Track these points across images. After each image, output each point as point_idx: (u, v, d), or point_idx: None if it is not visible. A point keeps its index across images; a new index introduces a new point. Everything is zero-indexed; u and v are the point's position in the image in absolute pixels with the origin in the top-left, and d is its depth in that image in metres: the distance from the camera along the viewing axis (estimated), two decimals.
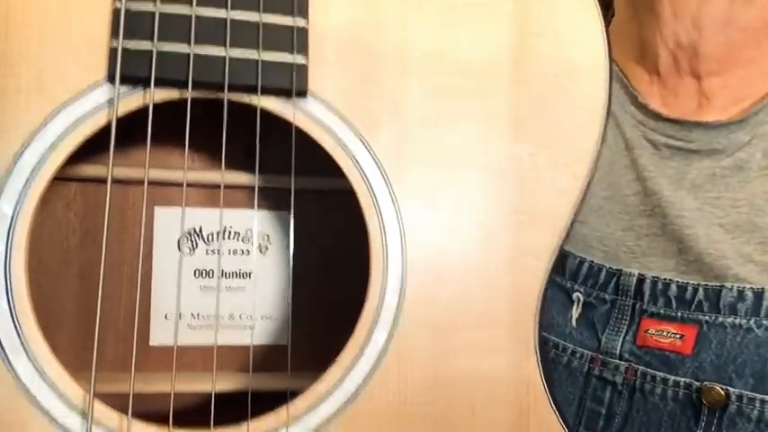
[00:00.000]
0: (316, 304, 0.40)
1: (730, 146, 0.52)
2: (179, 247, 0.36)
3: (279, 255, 0.39)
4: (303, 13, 0.33)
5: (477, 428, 0.36)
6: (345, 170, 0.33)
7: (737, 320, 0.48)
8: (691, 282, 0.50)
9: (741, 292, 0.48)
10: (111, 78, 0.30)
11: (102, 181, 0.34)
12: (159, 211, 0.36)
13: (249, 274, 0.37)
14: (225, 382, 0.36)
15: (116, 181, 0.36)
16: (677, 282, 0.51)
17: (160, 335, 0.36)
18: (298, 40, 0.33)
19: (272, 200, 0.40)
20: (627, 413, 0.52)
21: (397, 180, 0.35)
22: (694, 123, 0.53)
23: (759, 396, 0.47)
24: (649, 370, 0.51)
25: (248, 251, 0.37)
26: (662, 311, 0.51)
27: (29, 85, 0.29)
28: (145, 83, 0.30)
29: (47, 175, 0.29)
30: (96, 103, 0.30)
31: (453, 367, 0.35)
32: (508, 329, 0.37)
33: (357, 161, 0.33)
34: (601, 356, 0.53)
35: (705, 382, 0.49)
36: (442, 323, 0.35)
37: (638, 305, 0.52)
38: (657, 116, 0.54)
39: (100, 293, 0.29)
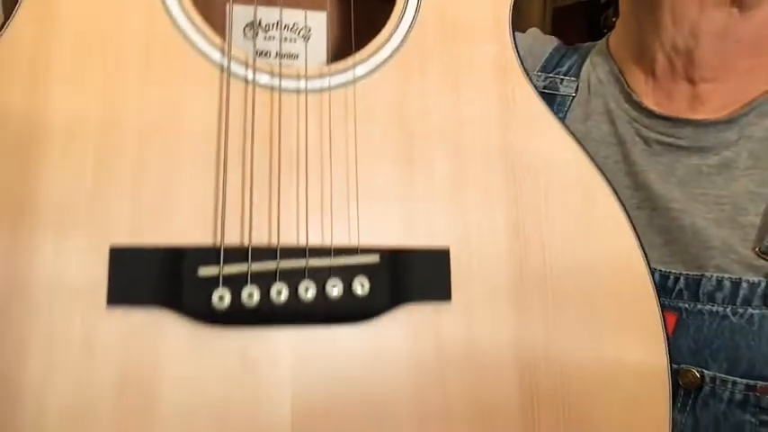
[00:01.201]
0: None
1: (718, 144, 0.54)
2: (244, 33, 0.46)
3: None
4: None
5: None
6: None
7: (715, 308, 0.51)
8: (673, 271, 0.53)
9: (720, 282, 0.51)
10: None
11: None
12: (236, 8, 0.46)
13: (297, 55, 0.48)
14: None
15: None
16: (660, 270, 0.53)
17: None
18: None
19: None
20: None
21: None
22: (684, 120, 0.55)
23: (731, 378, 0.50)
24: None
25: (295, 39, 0.48)
26: None
27: None
28: None
29: None
30: None
31: None
32: None
33: None
34: None
35: (682, 365, 0.52)
36: None
37: None
38: (650, 113, 0.56)
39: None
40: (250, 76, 0.39)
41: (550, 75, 0.63)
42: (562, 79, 0.63)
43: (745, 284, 0.51)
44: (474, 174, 0.41)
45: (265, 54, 0.46)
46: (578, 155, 0.44)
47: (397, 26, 0.43)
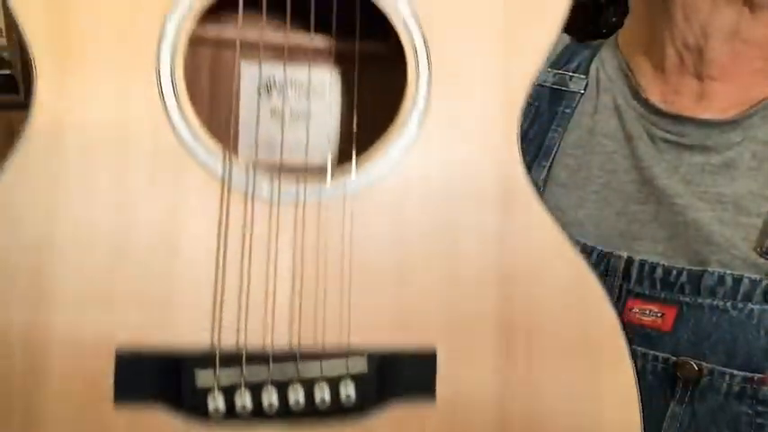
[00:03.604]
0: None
1: (721, 144, 0.55)
2: (258, 92, 0.48)
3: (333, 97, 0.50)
4: None
5: None
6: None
7: (715, 302, 0.52)
8: (676, 265, 0.54)
9: (722, 277, 0.52)
10: None
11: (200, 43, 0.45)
12: (245, 65, 0.47)
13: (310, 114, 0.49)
14: None
15: (209, 42, 0.47)
16: (663, 265, 0.54)
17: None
18: None
19: (325, 57, 0.49)
20: None
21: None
22: (689, 119, 0.55)
23: (729, 371, 0.51)
24: (631, 345, 0.55)
25: (308, 96, 0.49)
26: (647, 292, 0.55)
27: None
28: None
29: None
30: None
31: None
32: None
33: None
34: None
35: (681, 358, 0.53)
36: None
37: (624, 286, 0.55)
38: (656, 110, 0.57)
39: None
40: (250, 189, 0.41)
41: (560, 71, 0.64)
42: (571, 76, 0.63)
43: (746, 281, 0.52)
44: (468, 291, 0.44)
45: (275, 113, 0.47)
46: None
47: (402, 131, 0.43)
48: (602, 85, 0.61)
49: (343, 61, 0.49)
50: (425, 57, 0.42)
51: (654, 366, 0.54)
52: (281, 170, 0.41)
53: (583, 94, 0.62)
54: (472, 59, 0.44)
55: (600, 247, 0.57)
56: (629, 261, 0.56)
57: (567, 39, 0.67)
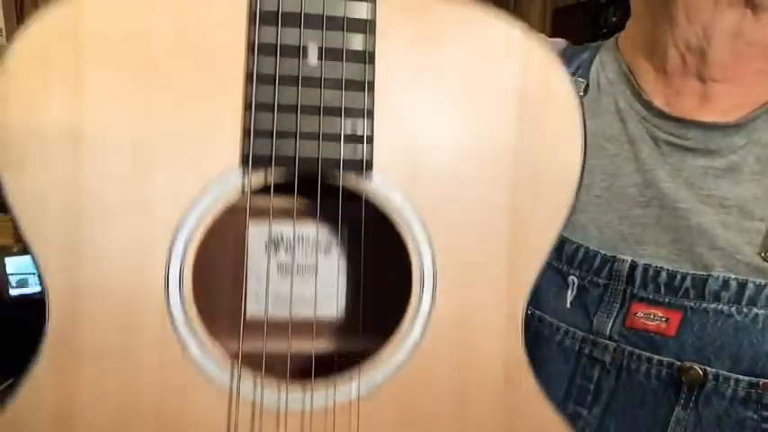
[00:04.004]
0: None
1: (725, 147, 0.54)
2: (266, 249, 0.48)
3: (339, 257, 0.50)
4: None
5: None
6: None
7: (720, 307, 0.52)
8: (680, 270, 0.54)
9: (726, 282, 0.52)
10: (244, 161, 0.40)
11: None
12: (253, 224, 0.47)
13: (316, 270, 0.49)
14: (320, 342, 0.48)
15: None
16: (667, 269, 0.54)
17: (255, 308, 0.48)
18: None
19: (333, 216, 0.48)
20: (614, 390, 0.56)
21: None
22: (691, 122, 0.55)
23: (734, 376, 0.51)
24: (636, 350, 0.55)
25: (315, 255, 0.49)
26: (651, 296, 0.54)
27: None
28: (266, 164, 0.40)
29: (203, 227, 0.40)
30: (230, 184, 0.40)
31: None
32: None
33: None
34: (592, 337, 0.57)
35: (686, 362, 0.53)
36: None
37: (629, 290, 0.55)
38: (660, 113, 0.57)
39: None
40: (258, 399, 0.41)
41: None
42: None
43: (751, 285, 0.51)
44: None
45: (283, 269, 0.48)
46: None
47: (408, 332, 0.43)
48: (602, 88, 0.61)
49: (350, 221, 0.49)
50: (430, 260, 0.43)
51: (658, 371, 0.54)
52: (287, 380, 0.41)
53: (582, 96, 0.61)
54: (478, 262, 0.44)
55: (603, 252, 0.57)
56: (633, 265, 0.55)
57: (563, 43, 0.67)
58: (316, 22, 0.39)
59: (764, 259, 0.52)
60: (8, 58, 0.36)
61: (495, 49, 0.42)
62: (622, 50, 0.62)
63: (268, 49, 0.38)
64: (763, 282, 0.51)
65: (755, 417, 0.51)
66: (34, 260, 0.38)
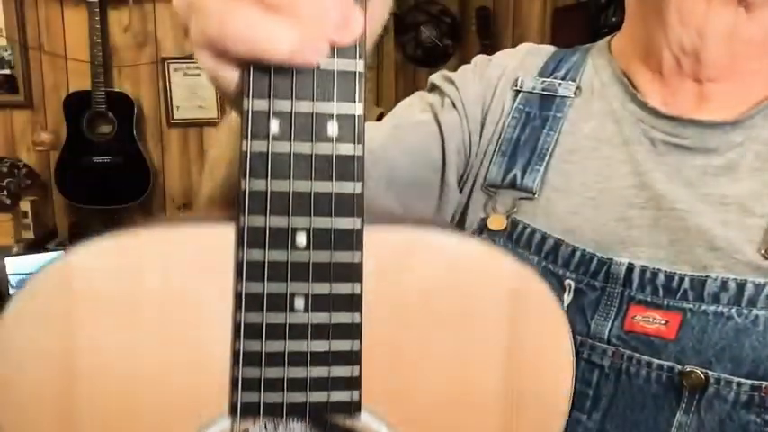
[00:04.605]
0: None
1: (723, 146, 0.54)
2: None
3: None
4: None
5: None
6: None
7: (720, 309, 0.51)
8: (678, 271, 0.53)
9: (725, 283, 0.51)
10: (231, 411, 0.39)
11: None
12: None
13: None
14: None
15: None
16: (665, 271, 0.53)
17: None
18: None
19: None
20: (613, 395, 0.55)
21: None
22: (689, 121, 0.55)
23: (736, 379, 0.50)
24: (635, 354, 0.54)
25: None
26: (649, 299, 0.54)
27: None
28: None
29: None
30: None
31: None
32: None
33: None
34: (590, 341, 0.56)
35: (686, 366, 0.52)
36: None
37: (626, 292, 0.54)
38: (656, 113, 0.56)
39: None
40: None
41: (548, 78, 0.63)
42: (560, 82, 0.63)
43: (750, 285, 0.51)
44: None
45: None
46: None
47: None
48: (596, 91, 0.61)
49: None
50: None
51: (659, 375, 0.53)
52: None
53: (573, 98, 0.61)
54: None
55: (599, 254, 0.56)
56: (630, 267, 0.55)
57: (552, 49, 0.67)
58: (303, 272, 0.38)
59: (764, 256, 0.51)
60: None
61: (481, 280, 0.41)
62: (616, 53, 0.62)
63: (255, 301, 0.38)
64: (762, 281, 0.50)
65: (758, 420, 0.50)
66: None
